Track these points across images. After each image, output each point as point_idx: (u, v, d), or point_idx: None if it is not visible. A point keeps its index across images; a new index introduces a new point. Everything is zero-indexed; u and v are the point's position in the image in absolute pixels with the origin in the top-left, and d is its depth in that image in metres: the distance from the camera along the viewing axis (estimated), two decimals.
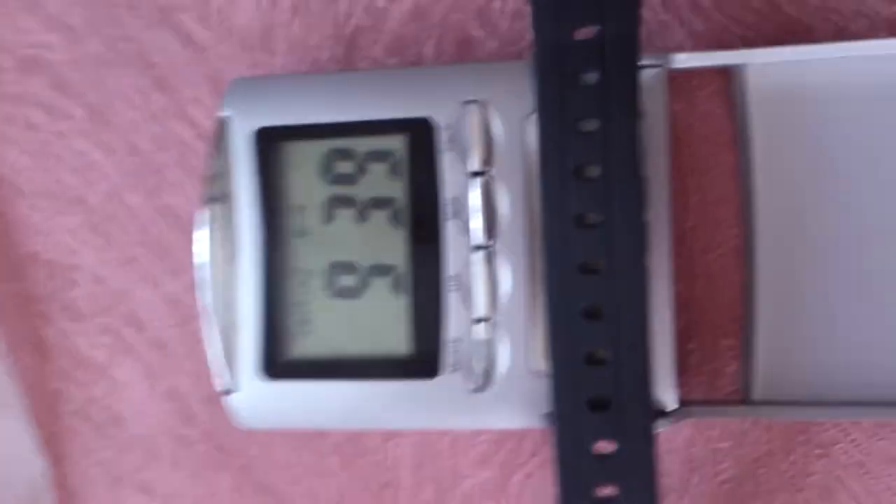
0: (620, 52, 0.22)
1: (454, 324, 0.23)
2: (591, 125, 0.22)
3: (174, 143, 0.29)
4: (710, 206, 0.25)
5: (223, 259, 0.25)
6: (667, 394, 0.23)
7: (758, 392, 0.23)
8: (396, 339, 0.24)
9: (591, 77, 0.22)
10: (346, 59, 0.27)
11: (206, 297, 0.25)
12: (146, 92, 0.29)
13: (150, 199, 0.29)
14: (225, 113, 0.25)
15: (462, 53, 0.26)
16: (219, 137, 0.25)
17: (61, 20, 0.29)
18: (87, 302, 0.30)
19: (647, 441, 0.22)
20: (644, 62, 0.22)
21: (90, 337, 0.30)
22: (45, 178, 0.30)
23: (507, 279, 0.23)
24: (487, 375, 0.23)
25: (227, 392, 0.25)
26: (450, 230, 0.24)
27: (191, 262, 0.28)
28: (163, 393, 0.29)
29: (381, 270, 0.24)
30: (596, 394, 0.22)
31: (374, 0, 0.27)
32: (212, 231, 0.25)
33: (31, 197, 0.30)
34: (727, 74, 0.25)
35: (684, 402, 0.23)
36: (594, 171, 0.22)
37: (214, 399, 0.29)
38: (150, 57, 0.29)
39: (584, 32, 0.22)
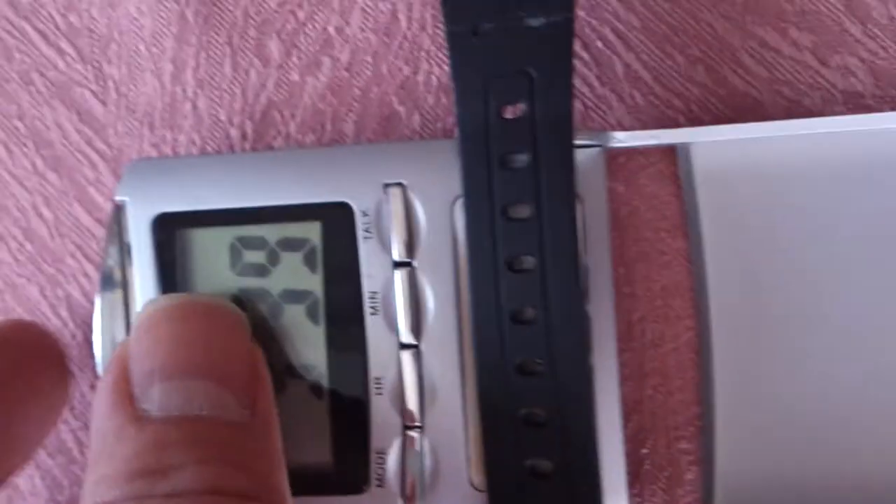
0: (552, 132, 0.20)
1: (381, 433, 0.21)
2: (523, 211, 0.20)
3: (73, 229, 0.26)
4: (660, 296, 0.23)
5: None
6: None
7: (719, 500, 0.21)
8: (317, 449, 0.21)
9: (522, 159, 0.20)
10: (258, 136, 0.25)
11: None
12: (41, 172, 0.26)
13: (48, 289, 0.26)
14: (120, 197, 0.22)
15: (384, 130, 0.24)
16: (114, 224, 0.22)
17: None
18: None
19: None
20: (579, 141, 0.20)
21: None
22: None
23: (437, 382, 0.21)
24: (419, 490, 0.21)
25: None
26: (372, 326, 0.21)
27: (91, 359, 0.26)
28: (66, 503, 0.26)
29: (298, 371, 0.22)
30: None
31: (287, 73, 0.25)
32: (106, 325, 0.22)
33: None
34: (672, 153, 0.23)
35: None
36: (528, 261, 0.20)
37: None
38: (44, 135, 0.26)
39: (513, 111, 0.20)
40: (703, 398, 0.22)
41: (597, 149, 0.21)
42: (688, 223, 0.22)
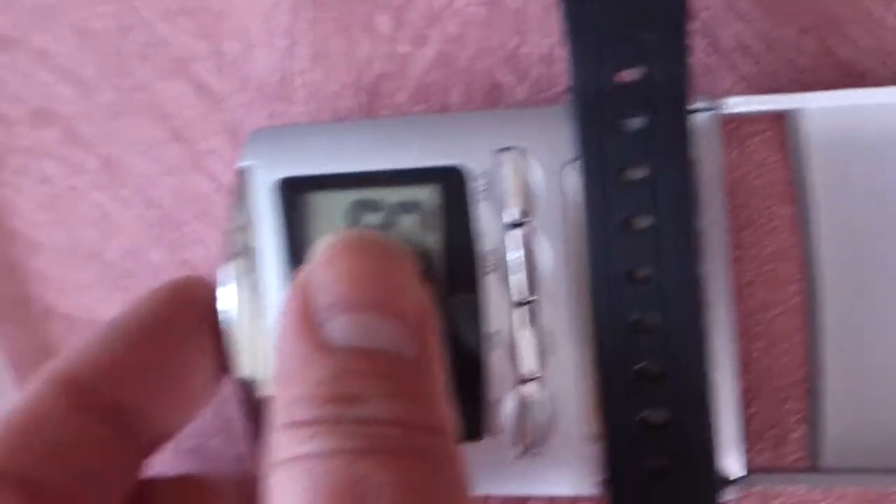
0: (669, 95, 0.20)
1: (498, 383, 0.22)
2: (638, 173, 0.21)
3: (193, 196, 0.27)
4: (768, 261, 0.23)
5: (249, 315, 0.23)
6: (732, 461, 0.21)
7: (827, 459, 0.22)
8: None
9: (637, 122, 0.21)
10: (369, 108, 0.26)
11: (233, 352, 0.23)
12: (162, 144, 0.27)
13: (169, 254, 0.28)
14: (245, 163, 0.23)
15: (490, 101, 0.25)
16: (239, 189, 0.23)
17: (73, 71, 0.28)
18: None
19: None
20: (694, 106, 0.21)
21: None
22: (61, 232, 0.28)
23: (552, 336, 0.22)
24: (534, 438, 0.22)
25: None
26: (489, 284, 0.22)
27: None
28: (186, 452, 0.28)
29: None
30: (653, 462, 0.21)
31: (396, 46, 0.26)
32: (237, 287, 0.23)
33: (47, 251, 0.29)
34: (780, 121, 0.23)
35: (750, 471, 0.21)
36: (643, 222, 0.21)
37: None
38: (164, 108, 0.27)
39: (628, 75, 0.21)
40: (811, 360, 0.22)
41: (711, 113, 0.21)
42: (797, 189, 0.23)
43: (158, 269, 0.28)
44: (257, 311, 0.23)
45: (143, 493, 0.22)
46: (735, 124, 0.23)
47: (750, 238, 0.23)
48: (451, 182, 0.22)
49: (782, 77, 0.23)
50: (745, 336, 0.23)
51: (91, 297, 0.28)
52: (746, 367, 0.23)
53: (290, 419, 0.18)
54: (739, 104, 0.21)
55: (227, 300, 0.23)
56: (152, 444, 0.22)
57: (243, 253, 0.23)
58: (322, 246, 0.21)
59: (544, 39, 0.25)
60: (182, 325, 0.23)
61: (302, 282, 0.20)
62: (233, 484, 0.25)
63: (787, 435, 0.23)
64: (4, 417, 0.20)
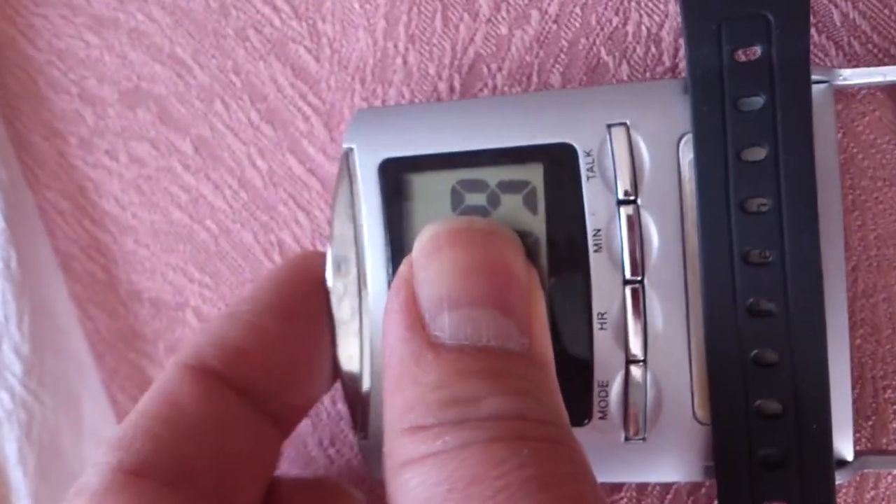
0: (789, 74, 0.20)
1: (604, 365, 0.22)
2: (757, 153, 0.20)
3: (286, 178, 0.27)
4: (874, 245, 0.23)
5: (353, 295, 0.23)
6: (844, 444, 0.20)
7: None
8: None
9: (756, 101, 0.20)
10: (466, 89, 0.26)
11: (337, 336, 0.23)
12: (256, 125, 0.28)
13: (261, 235, 0.28)
14: (349, 144, 0.23)
15: (591, 81, 0.25)
16: (344, 168, 0.23)
17: (167, 51, 0.28)
18: None
19: (826, 501, 0.20)
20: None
21: None
22: (151, 213, 0.29)
23: (660, 318, 0.21)
24: (642, 423, 0.21)
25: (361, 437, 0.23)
26: (596, 263, 0.22)
27: None
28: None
29: None
30: (767, 450, 0.20)
31: (496, 26, 0.26)
32: (339, 267, 0.23)
33: (136, 233, 0.29)
34: (890, 101, 0.22)
35: (857, 454, 0.21)
36: (762, 203, 0.20)
37: (335, 442, 0.27)
38: (259, 89, 0.28)
39: (746, 54, 0.20)
40: None
41: (824, 85, 0.21)
42: None
43: (249, 252, 0.28)
44: (361, 299, 0.23)
45: (278, 492, 0.22)
46: (843, 104, 0.23)
47: (857, 220, 0.23)
48: (557, 159, 0.22)
49: (891, 57, 0.23)
50: (849, 322, 0.22)
51: (179, 281, 0.28)
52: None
53: (411, 424, 0.17)
54: (853, 76, 0.21)
55: (331, 284, 0.23)
56: (287, 425, 0.22)
57: (349, 229, 0.23)
58: (425, 236, 0.20)
59: (647, 17, 0.24)
60: (306, 302, 0.22)
61: (406, 276, 0.20)
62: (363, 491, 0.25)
63: (886, 425, 0.23)
64: (140, 409, 0.19)
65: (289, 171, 0.27)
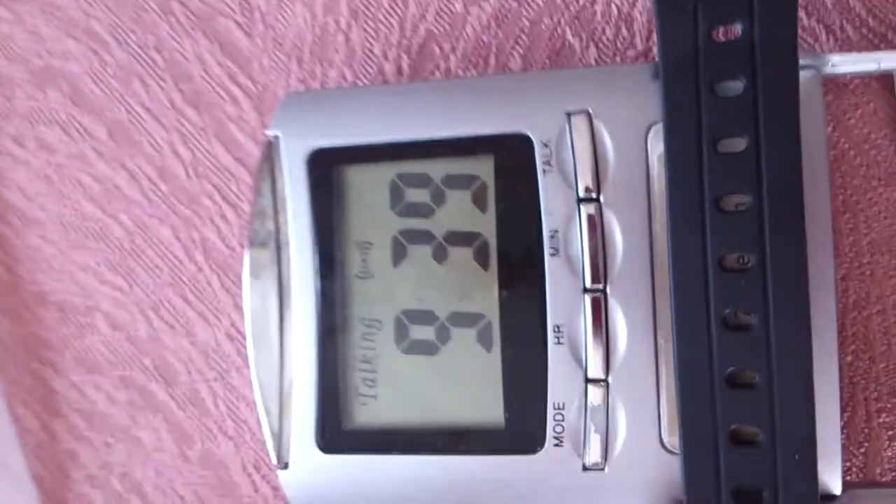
0: (773, 55, 0.18)
1: (560, 386, 0.19)
2: (736, 145, 0.18)
3: (211, 168, 0.24)
4: (867, 251, 0.21)
5: (273, 307, 0.21)
6: (830, 476, 0.18)
7: None
8: (485, 404, 0.20)
9: (735, 86, 0.18)
10: (415, 71, 0.23)
11: (255, 350, 0.21)
12: (179, 108, 0.25)
13: (182, 232, 0.25)
14: (274, 131, 0.21)
15: (555, 65, 0.22)
16: (267, 160, 0.21)
17: (83, 25, 0.25)
18: (106, 351, 0.25)
19: None
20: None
21: (108, 391, 0.25)
22: (60, 205, 0.25)
23: (624, 331, 0.19)
24: (602, 450, 0.19)
25: (285, 466, 0.21)
26: (552, 269, 0.19)
27: (229, 307, 0.24)
28: (196, 460, 0.25)
29: (465, 320, 0.20)
30: (742, 482, 0.18)
31: (450, 2, 0.23)
32: (259, 273, 0.21)
33: (42, 227, 0.26)
34: (887, 91, 0.20)
35: (846, 486, 0.19)
36: (741, 200, 0.18)
37: (261, 468, 0.24)
38: (184, 68, 0.25)
39: (726, 32, 0.18)
40: None
41: (812, 72, 0.18)
42: None
43: (168, 251, 0.25)
44: (283, 302, 0.21)
45: None
46: (833, 95, 0.20)
47: (848, 224, 0.20)
48: (509, 151, 0.20)
49: (888, 42, 0.20)
50: (839, 336, 0.20)
51: (89, 282, 0.25)
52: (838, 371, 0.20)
53: None
54: (843, 62, 0.19)
55: (249, 289, 0.21)
56: None
57: (269, 234, 0.21)
58: None
59: None
60: None
61: None
62: None
63: (879, 452, 0.21)
64: None
65: (215, 160, 0.24)
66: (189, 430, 0.25)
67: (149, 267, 0.25)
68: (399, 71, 0.23)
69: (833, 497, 0.18)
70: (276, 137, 0.21)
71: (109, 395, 0.25)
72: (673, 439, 0.19)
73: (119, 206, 0.25)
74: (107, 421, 0.25)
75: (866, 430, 0.21)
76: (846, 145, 0.20)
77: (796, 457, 0.18)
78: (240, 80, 0.24)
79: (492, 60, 0.23)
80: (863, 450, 0.21)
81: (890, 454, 0.20)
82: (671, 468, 0.18)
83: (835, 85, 0.20)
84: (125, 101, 0.25)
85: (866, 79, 0.20)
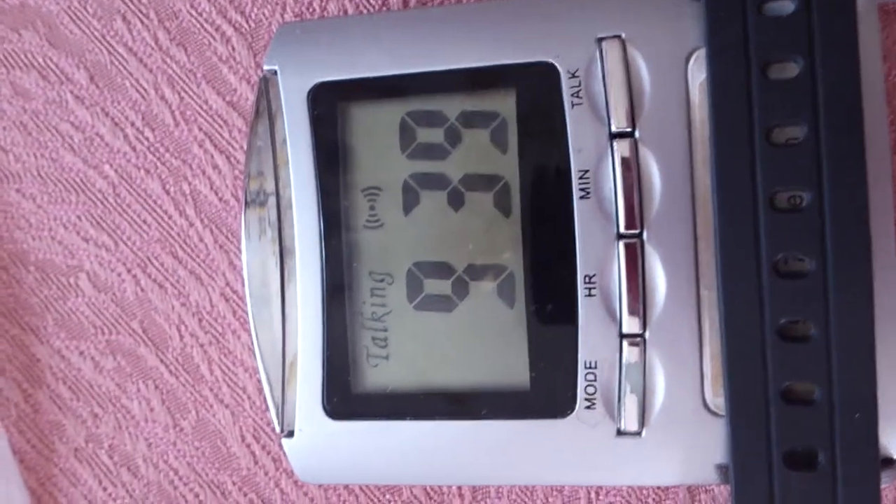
0: None
1: (592, 342, 0.17)
2: (788, 70, 0.16)
3: (202, 113, 0.22)
4: None
5: (274, 262, 0.19)
6: (893, 439, 0.16)
7: None
8: (509, 365, 0.18)
9: (786, 5, 0.16)
10: (423, 1, 0.21)
11: (254, 312, 0.19)
12: (165, 48, 0.23)
13: (171, 184, 0.23)
14: (270, 66, 0.19)
15: None
16: (263, 99, 0.19)
17: None
18: (91, 314, 0.23)
19: None
20: None
21: (94, 358, 0.24)
22: (38, 156, 0.23)
23: (664, 281, 0.17)
24: (639, 412, 0.17)
25: (290, 434, 0.19)
26: (583, 214, 0.17)
27: (223, 265, 0.22)
28: (190, 430, 0.23)
29: (484, 273, 0.18)
30: (795, 444, 0.16)
31: None
32: (257, 226, 0.19)
33: (19, 181, 0.24)
34: None
35: None
36: (795, 132, 0.16)
37: (260, 437, 0.22)
38: (169, 4, 0.22)
39: None
40: None
41: None
42: None
43: (156, 205, 0.23)
44: (285, 257, 0.19)
45: None
46: (883, 24, 0.18)
47: None
48: (533, 83, 0.18)
49: None
50: None
51: (71, 240, 0.23)
52: None
53: None
54: None
55: (248, 242, 0.19)
56: None
57: (269, 175, 0.19)
58: None
59: None
60: None
61: None
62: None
63: None
64: None
65: (205, 104, 0.22)
66: (182, 399, 0.23)
67: (135, 222, 0.23)
68: (405, 3, 0.21)
69: (894, 461, 0.16)
70: (273, 73, 0.19)
71: (96, 362, 0.23)
72: (717, 400, 0.17)
73: (102, 156, 0.23)
74: (93, 390, 0.24)
75: None
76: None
77: (856, 416, 0.16)
78: (230, 15, 0.22)
79: None
80: None
81: None
82: (715, 431, 0.17)
83: (885, 13, 0.18)
84: (106, 42, 0.23)
85: None
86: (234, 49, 0.22)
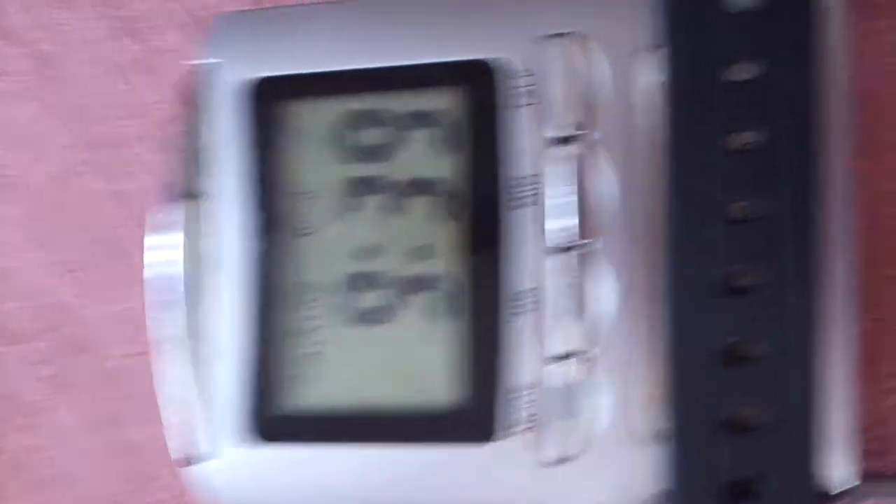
0: None
1: (526, 362, 0.16)
2: (745, 71, 0.15)
3: (140, 109, 0.22)
4: (891, 201, 0.18)
5: (199, 268, 0.18)
6: (841, 468, 0.15)
7: None
8: (439, 383, 0.17)
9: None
10: None
11: (171, 325, 0.18)
12: (110, 37, 0.22)
13: (106, 182, 0.22)
14: (205, 60, 0.18)
15: None
16: (197, 93, 0.18)
17: None
18: (14, 320, 0.23)
19: None
20: None
21: (25, 366, 0.23)
22: None
23: (607, 297, 0.16)
24: (574, 439, 0.16)
25: (198, 460, 0.18)
26: (525, 223, 0.17)
27: None
28: (122, 445, 0.22)
29: (422, 284, 0.17)
30: (739, 473, 0.15)
31: None
32: (178, 228, 0.18)
33: None
34: None
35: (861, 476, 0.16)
36: (752, 139, 0.15)
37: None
38: None
39: None
40: None
41: None
42: None
43: (92, 203, 0.22)
44: (210, 263, 0.18)
45: None
46: (856, 16, 0.18)
47: (869, 167, 0.18)
48: (479, 82, 0.17)
49: None
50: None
51: (8, 238, 0.23)
52: None
53: None
54: None
55: (167, 247, 0.18)
56: None
57: (199, 174, 0.18)
58: None
59: None
60: None
61: None
62: None
63: (893, 437, 0.18)
64: None
65: (144, 98, 0.22)
66: (111, 413, 0.22)
67: (71, 223, 0.22)
68: None
69: (839, 493, 0.15)
70: (205, 66, 0.18)
71: (18, 372, 0.23)
72: (657, 425, 0.16)
73: (34, 150, 0.22)
74: (15, 401, 0.23)
75: (876, 412, 0.18)
76: (876, 69, 0.18)
77: (805, 444, 0.15)
78: (175, 4, 0.22)
79: None
80: (873, 434, 0.18)
81: None
82: (653, 459, 0.16)
83: (867, 4, 0.17)
84: (45, 29, 0.22)
85: None
86: (183, 39, 0.22)
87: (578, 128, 0.16)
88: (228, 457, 0.18)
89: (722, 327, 0.15)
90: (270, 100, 0.18)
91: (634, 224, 0.16)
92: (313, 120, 0.18)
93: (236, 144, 0.18)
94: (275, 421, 0.18)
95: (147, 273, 0.18)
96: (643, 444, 0.16)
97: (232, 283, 0.18)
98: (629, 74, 0.16)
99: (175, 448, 0.18)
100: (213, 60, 0.18)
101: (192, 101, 0.18)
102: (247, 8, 0.21)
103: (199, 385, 0.18)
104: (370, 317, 0.17)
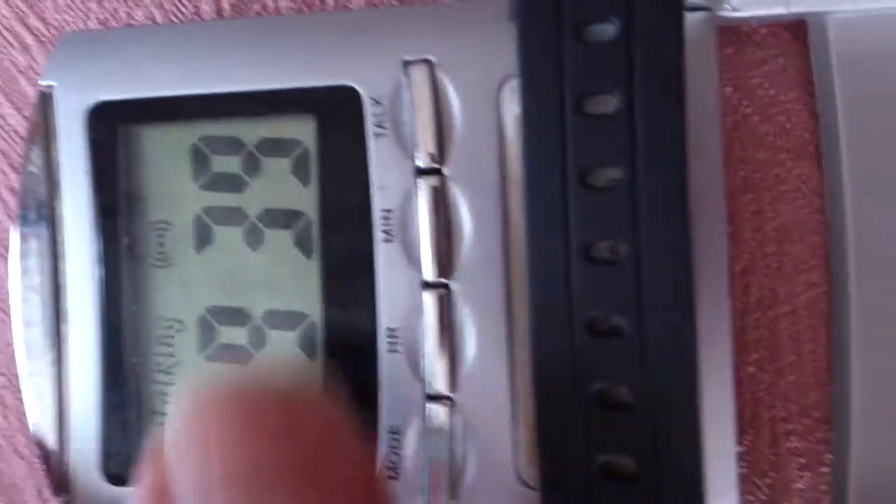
0: None
1: (395, 405, 0.16)
2: (606, 103, 0.14)
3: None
4: (773, 240, 0.17)
5: (48, 303, 0.17)
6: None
7: None
8: None
9: (607, 29, 0.14)
10: (238, 11, 0.19)
11: (35, 359, 0.17)
12: None
13: None
14: (48, 81, 0.17)
15: (403, 3, 0.18)
16: (40, 117, 0.17)
17: None
18: None
19: None
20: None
21: None
22: None
23: (472, 336, 0.15)
24: (447, 484, 0.15)
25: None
26: (385, 259, 0.16)
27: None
28: None
29: (283, 320, 0.16)
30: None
31: None
32: (29, 261, 0.17)
33: None
34: (798, 43, 0.17)
35: None
36: (611, 174, 0.14)
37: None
38: None
39: None
40: (833, 378, 0.16)
41: (703, 14, 0.15)
42: (821, 136, 0.16)
43: None
44: (58, 296, 0.17)
45: None
46: (734, 48, 0.17)
47: (750, 206, 0.17)
48: (337, 109, 0.16)
49: None
50: (739, 343, 0.17)
51: None
52: (738, 386, 0.17)
53: None
54: (747, 4, 0.15)
55: (14, 280, 0.17)
56: None
57: (44, 202, 0.17)
58: (185, 406, 0.12)
59: None
60: None
61: (159, 462, 0.12)
62: None
63: (787, 483, 0.17)
64: None
65: (1, 119, 0.20)
66: None
67: None
68: (219, 11, 0.19)
69: None
70: (50, 88, 0.17)
71: None
72: (532, 471, 0.15)
73: None
74: None
75: (773, 458, 0.17)
76: (749, 109, 0.17)
77: (680, 494, 0.14)
78: (30, 21, 0.20)
79: (330, 0, 0.18)
80: (769, 481, 0.17)
81: (801, 486, 0.17)
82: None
83: (736, 35, 0.17)
84: None
85: (774, 27, 0.17)
86: (33, 59, 0.20)
87: (433, 160, 0.15)
88: (90, 498, 0.17)
89: (592, 371, 0.14)
90: (112, 124, 0.17)
91: (494, 261, 0.15)
92: (161, 146, 0.17)
93: (81, 171, 0.17)
94: (129, 464, 0.16)
95: (11, 298, 0.17)
96: (519, 492, 0.15)
97: (85, 316, 0.17)
98: (486, 105, 0.15)
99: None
100: (51, 83, 0.17)
101: (35, 124, 0.17)
102: (92, 28, 0.19)
103: (60, 420, 0.17)
104: (232, 353, 0.17)
